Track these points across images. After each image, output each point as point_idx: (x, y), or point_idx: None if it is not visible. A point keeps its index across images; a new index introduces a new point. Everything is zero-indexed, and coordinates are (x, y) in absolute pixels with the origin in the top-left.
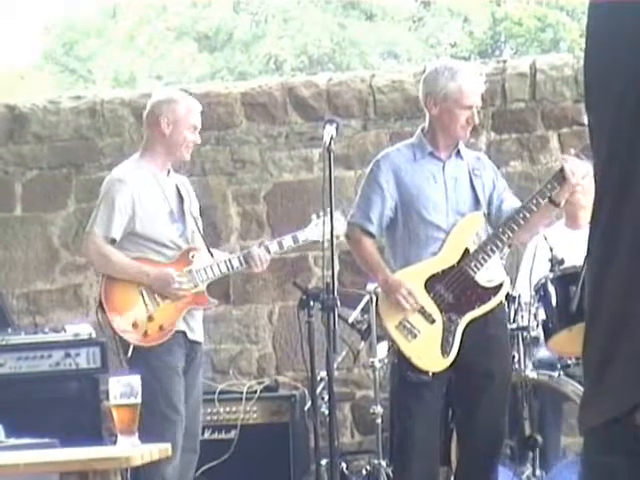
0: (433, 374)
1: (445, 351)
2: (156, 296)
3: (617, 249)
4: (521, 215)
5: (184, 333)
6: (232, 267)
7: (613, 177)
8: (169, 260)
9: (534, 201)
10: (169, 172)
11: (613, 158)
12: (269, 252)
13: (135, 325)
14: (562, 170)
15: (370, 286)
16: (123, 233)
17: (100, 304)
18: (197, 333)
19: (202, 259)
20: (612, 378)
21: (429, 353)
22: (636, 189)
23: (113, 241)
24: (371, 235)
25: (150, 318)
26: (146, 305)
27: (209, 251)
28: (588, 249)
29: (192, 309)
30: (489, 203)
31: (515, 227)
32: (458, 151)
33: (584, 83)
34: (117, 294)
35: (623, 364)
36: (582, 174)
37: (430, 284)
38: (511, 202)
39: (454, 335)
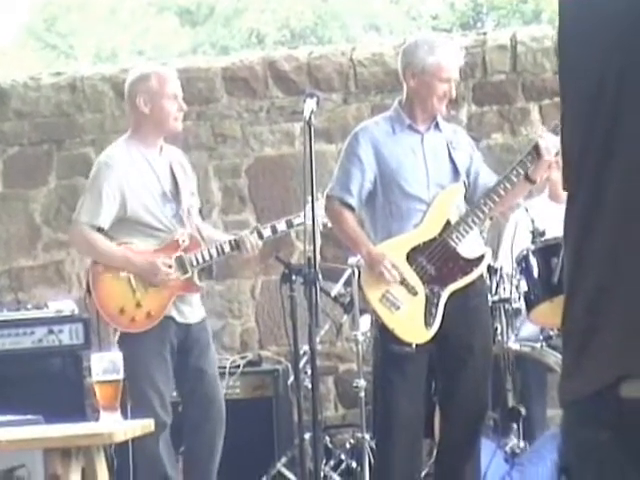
0: (416, 346)
1: (428, 323)
2: (144, 282)
3: (599, 218)
4: (502, 186)
5: (173, 318)
6: (223, 252)
7: (595, 144)
8: (159, 245)
9: (514, 172)
10: (162, 149)
11: (595, 124)
12: (262, 237)
13: (123, 311)
14: (537, 146)
15: (352, 260)
16: (114, 220)
17: (88, 289)
18: (189, 315)
19: (195, 238)
20: (595, 350)
21: (412, 325)
22: (620, 157)
23: (101, 229)
24: (351, 208)
25: (138, 304)
26: (134, 291)
27: (200, 234)
28: (567, 218)
29: (181, 295)
30: (466, 176)
31: (496, 198)
32: (437, 124)
33: (559, 48)
34: (105, 279)
35: (606, 336)
36: (556, 150)
37: (412, 256)
38: (486, 175)
39: (437, 307)
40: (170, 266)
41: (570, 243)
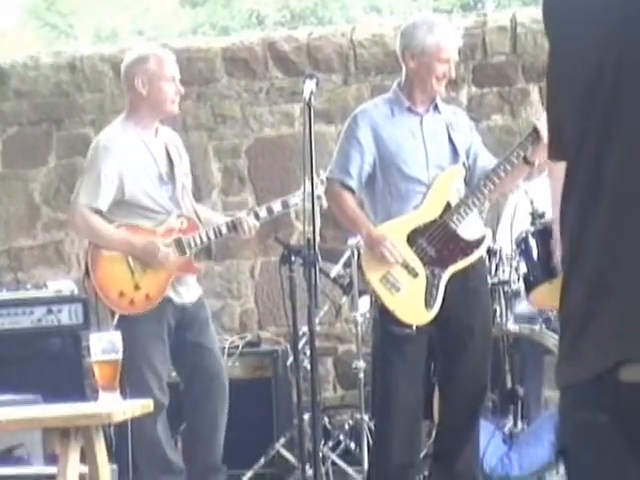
0: (417, 327)
1: (429, 304)
2: (143, 264)
3: (598, 204)
4: (502, 168)
5: (170, 299)
6: (220, 234)
7: (593, 129)
8: (158, 226)
9: (514, 154)
10: (157, 131)
11: (593, 108)
12: (258, 219)
13: (122, 294)
14: (535, 129)
15: (352, 240)
16: (111, 203)
17: (86, 271)
18: (185, 296)
19: (192, 220)
20: (594, 334)
21: (413, 306)
22: (618, 141)
23: (99, 211)
24: (351, 190)
25: (137, 287)
26: (132, 273)
27: (197, 216)
28: (565, 202)
29: (179, 276)
30: (465, 158)
31: (496, 180)
32: (436, 105)
33: (549, 36)
34: (104, 262)
35: (607, 320)
36: None
37: (412, 238)
38: (485, 158)
39: (437, 288)
40: (168, 246)
41: (568, 227)
